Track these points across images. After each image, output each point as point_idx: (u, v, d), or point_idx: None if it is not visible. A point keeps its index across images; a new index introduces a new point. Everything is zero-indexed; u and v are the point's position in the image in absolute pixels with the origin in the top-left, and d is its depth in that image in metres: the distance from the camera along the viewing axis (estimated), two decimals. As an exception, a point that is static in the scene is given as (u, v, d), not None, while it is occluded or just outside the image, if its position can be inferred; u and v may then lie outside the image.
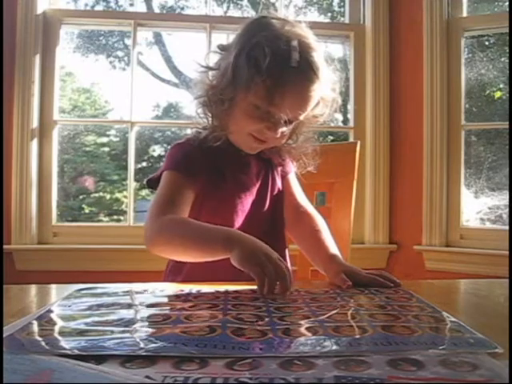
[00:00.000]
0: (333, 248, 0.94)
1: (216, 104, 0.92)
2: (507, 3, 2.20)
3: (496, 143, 2.29)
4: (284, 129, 0.91)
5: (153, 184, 0.96)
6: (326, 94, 0.93)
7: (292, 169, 1.07)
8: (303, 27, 0.92)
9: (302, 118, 0.92)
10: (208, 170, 0.94)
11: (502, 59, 2.27)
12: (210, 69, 0.94)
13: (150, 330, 0.51)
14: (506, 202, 2.17)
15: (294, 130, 0.97)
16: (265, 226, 0.99)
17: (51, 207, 2.16)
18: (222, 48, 0.95)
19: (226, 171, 0.96)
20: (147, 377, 0.38)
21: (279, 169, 1.06)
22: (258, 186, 1.00)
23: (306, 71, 0.85)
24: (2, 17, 2.00)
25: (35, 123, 2.11)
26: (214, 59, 0.95)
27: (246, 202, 0.98)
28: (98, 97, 2.69)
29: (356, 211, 1.21)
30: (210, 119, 0.95)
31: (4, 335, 0.48)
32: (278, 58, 0.83)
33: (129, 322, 0.54)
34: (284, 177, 1.07)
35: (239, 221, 0.95)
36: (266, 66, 0.82)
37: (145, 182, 1.00)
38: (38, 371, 0.39)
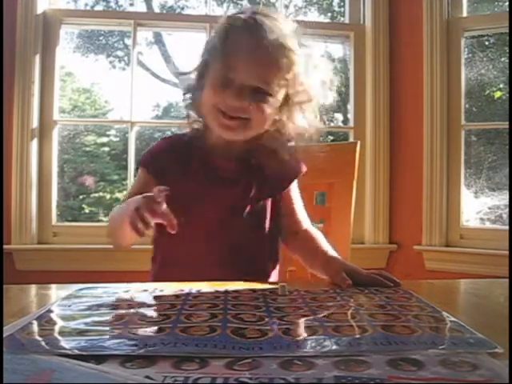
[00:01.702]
0: (331, 251, 0.94)
1: (193, 94, 0.94)
2: (507, 3, 2.20)
3: (496, 143, 2.29)
4: (259, 102, 0.86)
5: None
6: (301, 74, 0.89)
7: (295, 186, 1.01)
8: (280, 14, 0.95)
9: (272, 88, 0.86)
10: (175, 165, 0.94)
11: (502, 59, 2.27)
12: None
13: (150, 329, 0.51)
14: (506, 201, 2.17)
15: (282, 120, 0.92)
16: (247, 236, 0.94)
17: (51, 207, 2.16)
18: None
19: (194, 164, 0.94)
20: (147, 377, 0.38)
21: (275, 175, 0.97)
22: (233, 190, 0.95)
23: (256, 28, 0.84)
24: (2, 17, 2.00)
25: (35, 123, 2.11)
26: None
27: (218, 197, 0.93)
28: (98, 97, 2.69)
29: (356, 211, 1.21)
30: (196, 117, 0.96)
31: (4, 335, 0.48)
32: (232, 28, 0.86)
33: (129, 322, 0.54)
34: (284, 186, 0.99)
35: (211, 216, 0.93)
36: (220, 36, 0.86)
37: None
38: (38, 371, 0.39)
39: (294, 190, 1.02)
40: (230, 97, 0.85)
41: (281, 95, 0.90)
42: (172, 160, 0.94)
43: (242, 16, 0.87)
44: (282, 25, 0.87)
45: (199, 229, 0.92)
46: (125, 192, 2.41)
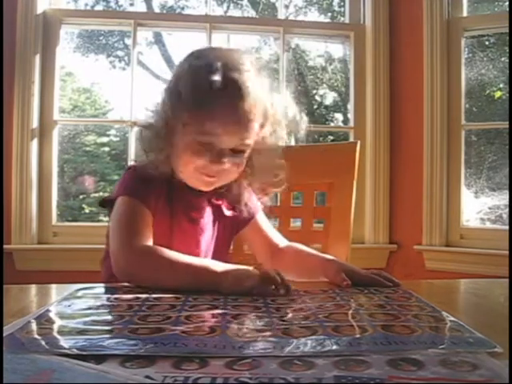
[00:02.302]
0: (326, 255, 0.94)
1: (157, 146, 0.86)
2: (507, 3, 2.20)
3: (496, 143, 2.29)
4: (234, 159, 0.85)
5: (106, 204, 0.92)
6: (270, 113, 0.87)
7: (258, 209, 1.00)
8: (238, 50, 0.88)
9: (249, 142, 0.86)
10: (161, 198, 0.90)
11: (502, 59, 2.27)
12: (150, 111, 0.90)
13: (150, 329, 0.51)
14: (506, 201, 2.17)
15: (249, 159, 0.90)
16: None
17: (51, 207, 2.16)
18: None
19: (178, 205, 0.92)
20: (147, 376, 0.38)
21: (238, 214, 0.98)
22: (206, 231, 0.95)
23: (231, 90, 0.80)
24: (2, 17, 2.00)
25: (35, 123, 2.11)
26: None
27: (198, 239, 0.93)
28: (98, 97, 2.69)
29: (356, 211, 1.21)
30: (154, 159, 0.88)
31: (4, 334, 0.48)
32: (200, 84, 0.79)
33: (128, 322, 0.54)
34: (249, 220, 1.00)
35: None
36: (187, 94, 0.79)
37: (99, 202, 0.95)
38: (38, 371, 0.39)
39: (260, 217, 1.02)
40: (212, 162, 0.84)
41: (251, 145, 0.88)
42: (157, 192, 0.89)
43: (215, 76, 0.79)
44: (252, 76, 0.84)
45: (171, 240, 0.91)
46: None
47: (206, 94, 0.79)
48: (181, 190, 0.91)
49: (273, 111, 0.88)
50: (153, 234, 0.85)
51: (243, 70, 0.82)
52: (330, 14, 2.66)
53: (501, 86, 2.31)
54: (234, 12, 2.62)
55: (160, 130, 0.85)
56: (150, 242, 0.83)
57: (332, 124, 2.71)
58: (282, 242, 1.02)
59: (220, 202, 0.97)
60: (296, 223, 1.27)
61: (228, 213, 0.98)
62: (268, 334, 0.50)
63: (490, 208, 2.24)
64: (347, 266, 0.85)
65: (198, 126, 0.81)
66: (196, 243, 0.93)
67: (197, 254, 0.91)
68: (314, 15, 2.64)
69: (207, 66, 0.80)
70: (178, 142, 0.85)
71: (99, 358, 0.42)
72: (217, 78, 0.78)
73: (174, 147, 0.86)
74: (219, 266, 0.76)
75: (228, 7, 2.62)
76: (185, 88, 0.81)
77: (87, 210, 2.54)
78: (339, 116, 2.75)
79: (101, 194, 2.57)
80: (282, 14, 2.40)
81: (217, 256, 0.95)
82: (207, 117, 0.80)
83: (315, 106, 2.71)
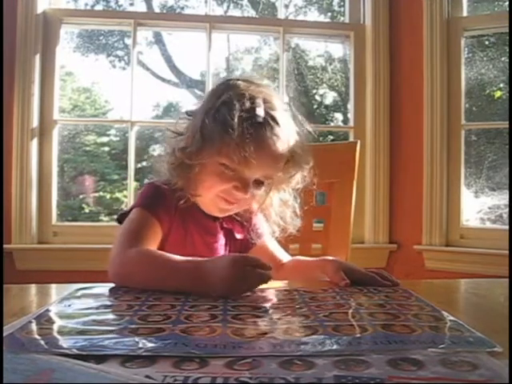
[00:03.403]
0: (326, 257, 0.95)
1: (182, 168, 0.88)
2: (507, 3, 2.20)
3: (496, 143, 2.29)
4: (255, 190, 0.88)
5: (122, 218, 0.92)
6: (296, 152, 0.90)
7: (265, 231, 1.02)
8: (269, 87, 0.93)
9: (273, 177, 0.89)
10: (176, 217, 0.91)
11: (502, 59, 2.27)
12: (180, 134, 0.92)
13: (150, 329, 0.51)
14: (506, 201, 2.17)
15: (267, 192, 0.93)
16: None
17: (51, 207, 2.16)
18: (191, 113, 0.93)
19: (193, 228, 0.93)
20: (147, 376, 0.38)
21: (247, 236, 1.00)
22: (217, 252, 0.97)
23: (271, 126, 0.84)
24: (2, 17, 2.00)
25: (35, 123, 2.11)
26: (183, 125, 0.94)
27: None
28: (98, 96, 2.69)
29: (356, 211, 1.21)
30: (175, 179, 0.90)
31: (4, 334, 0.48)
32: (245, 115, 0.82)
33: (128, 322, 0.54)
34: (255, 243, 1.01)
35: None
36: (233, 122, 0.81)
37: (116, 218, 0.95)
38: (38, 371, 0.39)
39: (267, 238, 1.03)
40: (235, 189, 0.86)
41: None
42: (171, 211, 0.90)
43: (258, 110, 0.84)
44: (284, 115, 0.88)
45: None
46: (125, 192, 2.41)
47: (248, 124, 0.82)
48: (195, 213, 0.93)
49: (298, 150, 0.91)
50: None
51: (280, 109, 0.88)
52: (329, 14, 2.66)
53: (501, 85, 2.31)
54: (234, 12, 2.62)
55: (193, 153, 0.86)
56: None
57: (332, 124, 2.71)
58: (285, 258, 1.04)
59: (231, 226, 0.99)
60: (296, 223, 1.26)
61: (239, 236, 1.00)
62: (268, 333, 0.50)
63: (489, 208, 2.24)
64: (347, 264, 0.85)
65: (235, 153, 0.82)
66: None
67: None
68: (313, 15, 2.64)
69: (249, 96, 0.85)
70: (207, 164, 0.86)
71: (99, 358, 0.42)
72: (260, 112, 0.83)
73: (200, 169, 0.87)
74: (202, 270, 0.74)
75: (228, 7, 2.62)
76: (230, 114, 0.83)
77: (87, 210, 2.54)
78: (339, 116, 2.74)
79: (101, 193, 2.57)
80: (281, 14, 2.40)
81: None
82: (246, 146, 0.82)
83: (315, 106, 2.71)
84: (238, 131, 0.81)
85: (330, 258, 0.92)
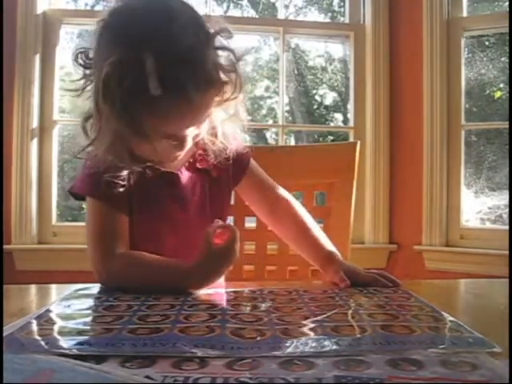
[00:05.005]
0: (329, 245, 0.93)
1: (115, 147, 0.75)
2: (507, 3, 2.20)
3: (496, 143, 2.29)
4: (195, 131, 0.79)
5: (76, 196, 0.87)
6: (226, 77, 0.75)
7: (248, 160, 0.96)
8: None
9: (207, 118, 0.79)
10: (132, 192, 0.84)
11: (502, 59, 2.27)
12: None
13: (150, 329, 0.51)
14: (506, 201, 2.17)
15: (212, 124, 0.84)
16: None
17: (51, 207, 2.16)
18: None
19: (152, 190, 0.86)
20: (147, 377, 0.38)
21: (230, 171, 0.93)
22: (194, 199, 0.90)
23: (178, 95, 0.70)
24: (2, 17, 2.00)
25: (35, 123, 2.11)
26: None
27: (185, 216, 0.89)
28: (98, 97, 2.69)
29: (356, 211, 1.21)
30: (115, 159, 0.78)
31: (4, 334, 0.48)
32: (140, 86, 0.68)
33: (128, 322, 0.54)
34: (242, 174, 0.95)
35: (182, 236, 0.88)
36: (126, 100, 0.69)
37: (67, 191, 0.88)
38: (38, 371, 0.39)
39: (255, 168, 0.98)
40: (174, 148, 0.79)
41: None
42: (129, 188, 0.82)
43: (150, 83, 0.68)
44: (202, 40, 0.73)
45: (164, 227, 0.88)
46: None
47: (149, 100, 0.70)
48: (153, 173, 0.84)
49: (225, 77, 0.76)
50: (144, 231, 0.84)
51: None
52: (329, 14, 2.66)
53: (501, 86, 2.31)
54: (234, 12, 2.62)
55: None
56: (126, 248, 0.82)
57: (332, 124, 2.71)
58: (278, 189, 0.98)
59: (206, 166, 0.91)
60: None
61: (209, 174, 0.92)
62: (268, 334, 0.50)
63: (489, 208, 2.24)
64: (347, 265, 0.84)
65: (158, 119, 0.73)
66: (190, 219, 0.90)
67: (186, 216, 0.89)
68: (313, 15, 2.64)
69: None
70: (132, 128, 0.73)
71: (99, 359, 0.42)
72: (153, 83, 0.69)
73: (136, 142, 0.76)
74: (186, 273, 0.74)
75: (228, 7, 2.62)
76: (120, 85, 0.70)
77: (87, 210, 2.54)
78: (339, 116, 2.74)
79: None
80: (281, 14, 2.40)
81: (217, 217, 0.86)
82: (159, 121, 0.73)
83: (315, 106, 2.71)
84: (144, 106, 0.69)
85: (332, 250, 0.91)
